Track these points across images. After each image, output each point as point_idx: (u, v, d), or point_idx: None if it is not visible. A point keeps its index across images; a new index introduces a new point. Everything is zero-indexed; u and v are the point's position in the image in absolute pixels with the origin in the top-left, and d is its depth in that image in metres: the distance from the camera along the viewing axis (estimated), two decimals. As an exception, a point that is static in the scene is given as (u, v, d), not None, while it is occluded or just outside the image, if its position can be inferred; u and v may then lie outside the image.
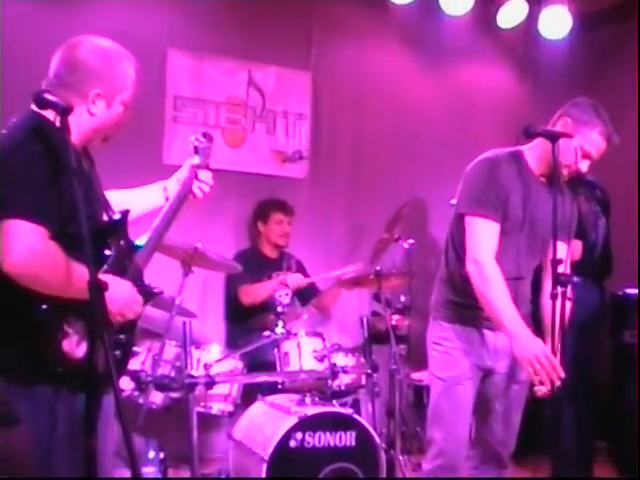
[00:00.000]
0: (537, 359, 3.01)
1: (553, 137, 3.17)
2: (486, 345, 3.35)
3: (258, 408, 4.46)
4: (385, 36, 6.13)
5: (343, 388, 4.46)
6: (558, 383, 3.03)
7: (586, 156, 3.26)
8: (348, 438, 4.17)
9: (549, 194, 3.22)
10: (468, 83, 6.41)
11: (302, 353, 4.49)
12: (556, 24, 6.24)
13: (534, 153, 3.36)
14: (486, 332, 3.35)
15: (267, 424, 4.24)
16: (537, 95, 6.60)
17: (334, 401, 4.47)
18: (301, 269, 5.47)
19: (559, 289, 3.02)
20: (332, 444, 4.15)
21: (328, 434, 4.14)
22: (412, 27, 6.12)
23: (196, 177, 2.93)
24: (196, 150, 2.97)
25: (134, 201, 2.87)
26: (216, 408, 4.46)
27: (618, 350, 5.65)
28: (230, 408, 4.50)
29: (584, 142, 3.24)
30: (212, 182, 2.97)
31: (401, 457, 4.75)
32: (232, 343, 4.95)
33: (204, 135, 3.02)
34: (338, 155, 5.98)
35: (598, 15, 6.56)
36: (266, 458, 3.96)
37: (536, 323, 3.41)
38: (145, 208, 2.95)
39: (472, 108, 6.39)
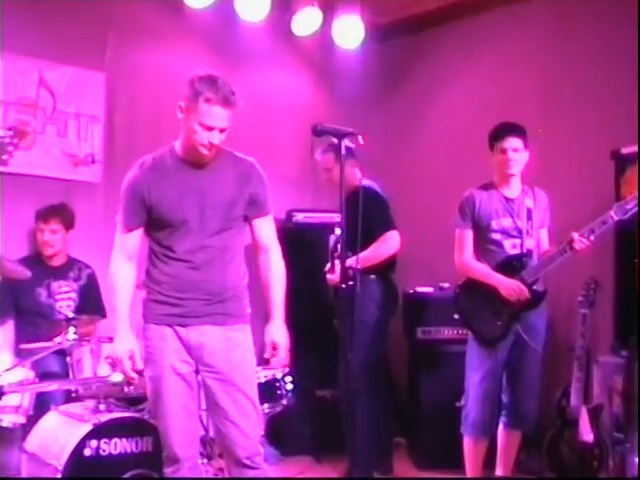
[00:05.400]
0: (118, 360, 3.45)
1: (339, 135, 3.28)
2: (182, 342, 3.46)
3: (51, 418, 4.31)
4: (184, 39, 6.08)
5: (139, 393, 4.38)
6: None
7: (208, 128, 3.36)
8: (145, 444, 4.12)
9: (210, 177, 3.44)
10: (267, 88, 6.47)
11: (95, 359, 4.38)
12: (349, 33, 6.42)
13: (180, 143, 3.51)
14: (178, 329, 3.46)
15: (61, 434, 4.11)
16: (333, 101, 6.78)
17: (131, 407, 4.38)
18: (92, 282, 5.28)
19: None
20: (129, 450, 4.09)
21: (124, 440, 4.07)
22: (211, 31, 6.13)
23: None
24: None
25: None
26: (7, 420, 4.23)
27: (412, 347, 5.87)
28: (22, 420, 4.28)
29: (199, 117, 3.34)
30: None
31: (202, 461, 4.73)
32: (22, 351, 4.75)
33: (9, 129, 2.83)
34: (134, 159, 5.80)
35: (391, 26, 6.83)
36: (60, 468, 3.86)
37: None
38: None
39: (271, 113, 6.46)
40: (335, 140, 3.34)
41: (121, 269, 3.53)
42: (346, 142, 3.41)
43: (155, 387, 3.49)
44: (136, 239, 3.55)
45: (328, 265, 4.91)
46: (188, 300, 3.44)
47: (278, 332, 3.54)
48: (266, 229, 3.62)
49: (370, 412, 4.92)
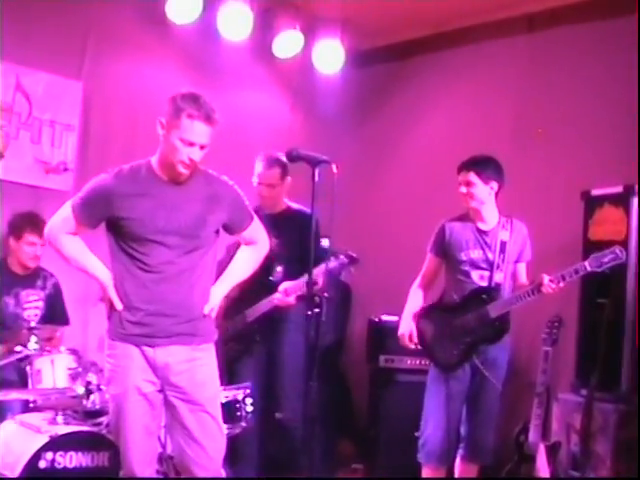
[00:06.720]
0: (103, 287, 3.49)
1: (314, 162, 3.27)
2: (148, 362, 3.43)
3: (8, 428, 4.25)
4: (164, 53, 6.08)
5: (98, 407, 4.34)
6: None
7: (189, 143, 3.35)
8: (101, 458, 4.09)
9: (183, 195, 3.43)
10: (244, 107, 6.48)
11: (56, 370, 4.35)
12: (329, 58, 6.46)
13: (157, 159, 3.47)
14: (146, 349, 3.43)
15: (16, 444, 4.06)
16: (309, 124, 6.80)
17: (89, 421, 4.33)
18: (57, 291, 5.23)
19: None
20: (84, 464, 4.06)
21: (80, 454, 4.05)
22: (192, 46, 6.13)
23: None
24: None
25: None
26: (-38, 428, 4.22)
27: (374, 374, 5.86)
28: (-22, 429, 4.27)
29: (181, 132, 3.33)
30: None
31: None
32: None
33: None
34: (107, 169, 5.81)
35: (371, 53, 6.88)
36: (14, 480, 3.82)
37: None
38: None
39: (246, 132, 6.44)
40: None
41: (67, 236, 3.53)
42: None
43: (117, 406, 3.46)
44: (81, 233, 3.55)
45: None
46: (156, 317, 3.40)
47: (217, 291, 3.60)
48: (251, 231, 3.68)
49: (328, 438, 4.91)
